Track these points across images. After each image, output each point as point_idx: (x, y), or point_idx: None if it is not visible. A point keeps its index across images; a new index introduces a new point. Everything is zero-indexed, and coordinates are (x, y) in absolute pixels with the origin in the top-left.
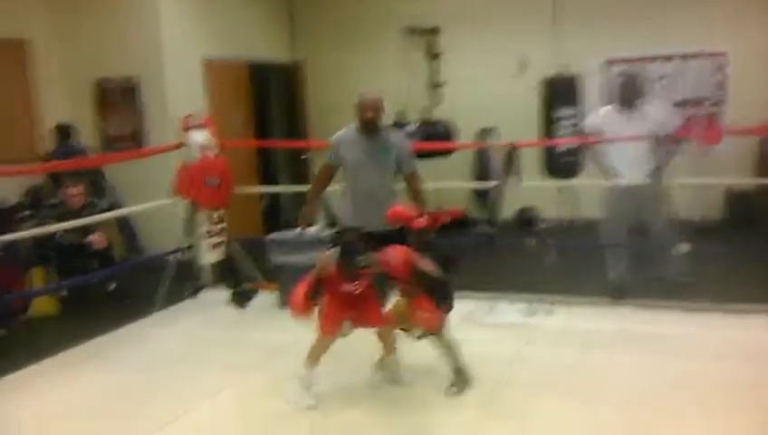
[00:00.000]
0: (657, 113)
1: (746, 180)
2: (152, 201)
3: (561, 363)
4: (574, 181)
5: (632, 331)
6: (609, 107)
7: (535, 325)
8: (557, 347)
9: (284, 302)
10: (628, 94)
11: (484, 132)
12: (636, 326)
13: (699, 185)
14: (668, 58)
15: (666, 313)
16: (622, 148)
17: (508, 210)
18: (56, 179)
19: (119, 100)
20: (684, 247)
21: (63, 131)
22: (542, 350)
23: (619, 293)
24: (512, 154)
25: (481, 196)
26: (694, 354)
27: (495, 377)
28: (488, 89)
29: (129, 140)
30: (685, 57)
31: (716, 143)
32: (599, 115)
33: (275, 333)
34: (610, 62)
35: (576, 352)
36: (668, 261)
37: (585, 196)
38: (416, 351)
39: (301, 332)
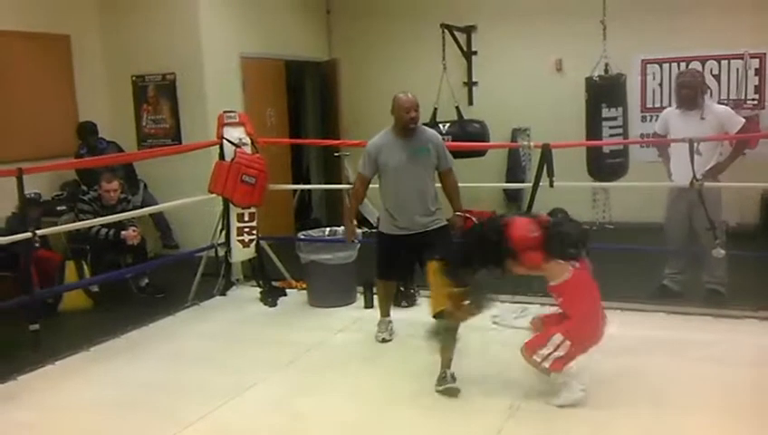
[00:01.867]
0: (718, 114)
1: None
2: (188, 197)
3: (599, 369)
4: (608, 183)
5: (664, 337)
6: (671, 108)
7: None
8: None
9: (313, 300)
10: (687, 95)
11: (517, 132)
12: (668, 333)
13: (736, 189)
14: (706, 59)
15: (700, 319)
16: (679, 149)
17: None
18: (83, 177)
19: (156, 96)
20: (720, 252)
21: (85, 129)
22: None
23: (662, 293)
24: (545, 154)
25: (513, 196)
26: (730, 362)
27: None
28: (524, 88)
29: (167, 137)
30: (724, 58)
31: (754, 147)
32: (662, 116)
33: (304, 331)
34: (647, 62)
35: (606, 357)
36: (708, 267)
37: (620, 200)
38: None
39: (329, 331)
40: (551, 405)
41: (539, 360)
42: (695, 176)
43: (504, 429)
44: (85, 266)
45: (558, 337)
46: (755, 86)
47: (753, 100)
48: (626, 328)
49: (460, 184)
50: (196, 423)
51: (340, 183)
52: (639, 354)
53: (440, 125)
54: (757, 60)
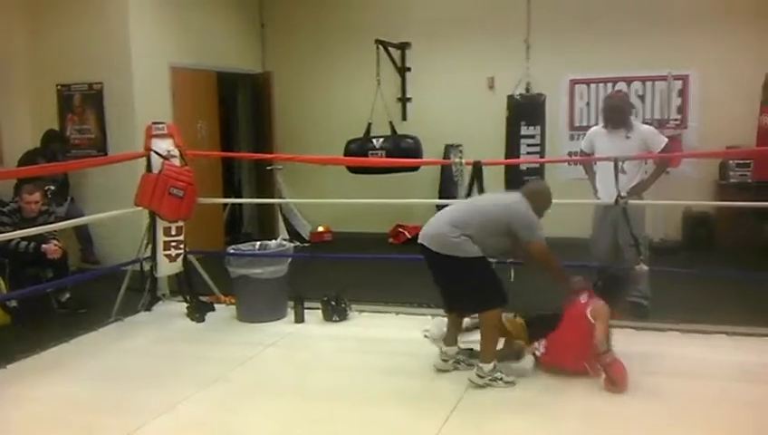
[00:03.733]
0: (642, 133)
1: (705, 202)
2: (113, 210)
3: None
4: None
5: None
6: (597, 127)
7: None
8: None
9: (243, 315)
10: (614, 114)
11: (450, 148)
12: None
13: (659, 206)
14: (631, 80)
15: (623, 332)
16: (604, 167)
17: None
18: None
19: (83, 105)
20: (644, 268)
21: (50, 137)
22: None
23: (643, 312)
24: (477, 171)
25: None
26: (653, 372)
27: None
28: (456, 105)
29: (92, 147)
30: (649, 79)
31: (676, 166)
32: (588, 135)
33: (233, 347)
34: (574, 82)
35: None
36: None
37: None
38: None
39: (259, 347)
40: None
41: None
42: (619, 193)
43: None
44: (1, 281)
45: None
46: (678, 106)
47: (676, 120)
48: None
49: (393, 200)
50: None
51: (273, 197)
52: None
53: (374, 140)
54: (680, 81)
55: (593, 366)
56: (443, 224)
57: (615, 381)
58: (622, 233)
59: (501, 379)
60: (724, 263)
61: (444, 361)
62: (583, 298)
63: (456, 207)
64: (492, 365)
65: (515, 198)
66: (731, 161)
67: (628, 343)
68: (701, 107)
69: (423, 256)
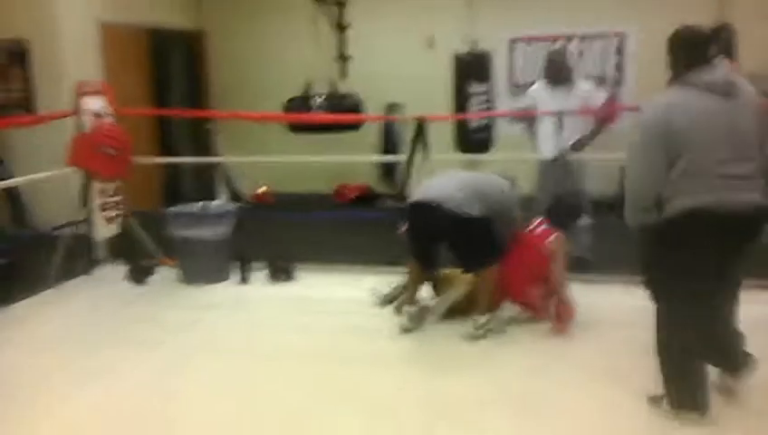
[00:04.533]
0: (582, 90)
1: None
2: (44, 172)
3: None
4: (483, 157)
5: None
6: (539, 83)
7: None
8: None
9: (186, 277)
10: (556, 71)
11: (392, 107)
12: None
13: (597, 162)
14: (571, 38)
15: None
16: (545, 123)
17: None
18: None
19: (7, 64)
20: (586, 220)
21: None
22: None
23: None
24: (421, 128)
25: (388, 170)
26: (595, 323)
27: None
28: (397, 63)
29: (19, 107)
30: (587, 37)
31: (614, 122)
32: (530, 91)
33: (177, 309)
34: (514, 41)
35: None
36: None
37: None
38: None
39: (203, 309)
40: None
41: None
42: (561, 149)
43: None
44: None
45: None
46: (616, 64)
47: (614, 77)
48: None
49: (335, 157)
50: (63, 406)
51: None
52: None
53: (314, 98)
54: (618, 38)
55: (541, 304)
56: (454, 187)
57: (564, 320)
58: (564, 188)
59: (492, 329)
60: None
61: (410, 320)
62: (539, 228)
63: (459, 175)
64: (486, 318)
65: (504, 180)
66: None
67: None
68: (639, 65)
69: (417, 215)
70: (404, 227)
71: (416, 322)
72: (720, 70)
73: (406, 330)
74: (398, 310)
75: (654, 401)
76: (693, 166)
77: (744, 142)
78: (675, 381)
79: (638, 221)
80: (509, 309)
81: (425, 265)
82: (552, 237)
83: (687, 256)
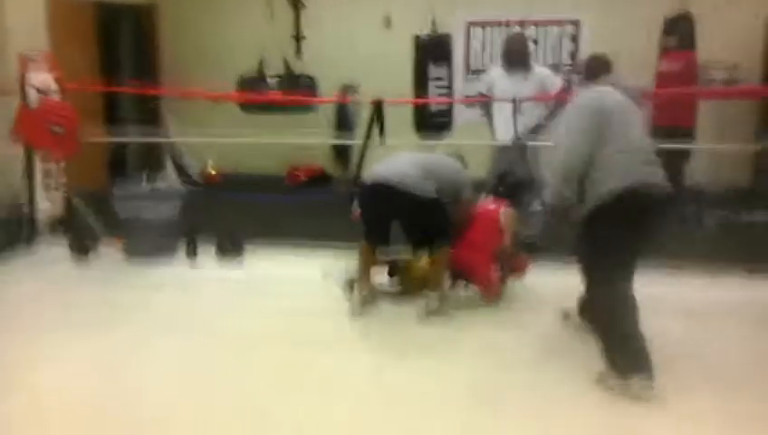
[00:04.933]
0: (540, 75)
1: None
2: None
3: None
4: (441, 141)
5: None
6: (496, 68)
7: None
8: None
9: (132, 257)
10: (514, 56)
11: (346, 88)
12: None
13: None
14: (527, 23)
15: None
16: (502, 108)
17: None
18: None
19: None
20: (538, 206)
21: None
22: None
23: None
24: (378, 111)
25: (341, 153)
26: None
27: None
28: (353, 44)
29: None
30: (543, 24)
31: None
32: (487, 75)
33: (123, 289)
34: (471, 24)
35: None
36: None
37: None
38: None
39: (150, 289)
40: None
41: None
42: (517, 134)
43: None
44: None
45: None
46: (570, 52)
47: (569, 65)
48: None
49: (287, 139)
50: (9, 393)
51: (159, 136)
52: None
53: (267, 78)
54: (573, 26)
55: (493, 278)
56: (411, 167)
57: (518, 270)
58: (519, 172)
59: (443, 310)
60: None
61: (361, 304)
62: (491, 204)
63: (413, 155)
64: (437, 299)
65: (455, 160)
66: None
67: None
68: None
69: (371, 196)
70: (357, 211)
71: (366, 304)
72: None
73: (356, 313)
74: (351, 292)
75: (601, 378)
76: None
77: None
78: (624, 348)
79: (566, 196)
80: (461, 289)
81: (377, 245)
82: (502, 210)
83: (623, 228)
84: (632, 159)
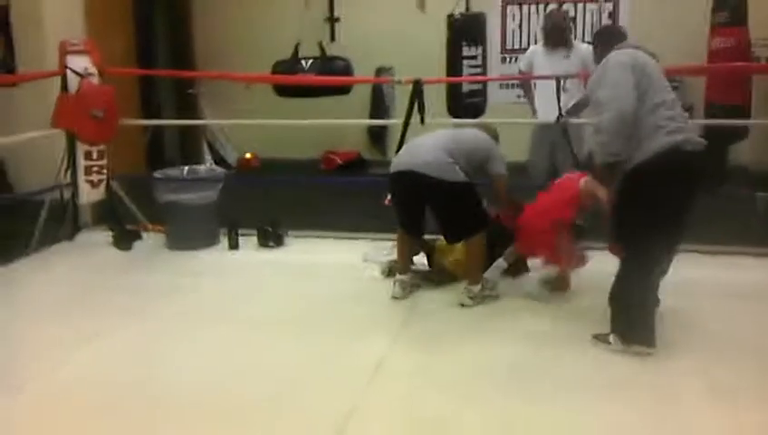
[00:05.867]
0: (581, 53)
1: None
2: (26, 133)
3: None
4: (477, 121)
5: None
6: (537, 46)
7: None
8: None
9: (173, 243)
10: (555, 32)
11: (381, 71)
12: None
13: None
14: (563, 1)
15: None
16: (545, 87)
17: None
18: None
19: None
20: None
21: None
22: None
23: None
24: (418, 91)
25: (377, 136)
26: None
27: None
28: (387, 26)
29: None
30: (580, 1)
31: None
32: (527, 54)
33: (165, 275)
34: (507, 3)
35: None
36: None
37: None
38: None
39: (191, 275)
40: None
41: None
42: (560, 112)
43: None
44: None
45: None
46: None
47: None
48: None
49: (323, 121)
50: (48, 374)
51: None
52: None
53: (303, 61)
54: (611, 3)
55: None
56: (436, 151)
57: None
58: (562, 153)
59: (488, 296)
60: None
61: (402, 289)
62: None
63: (438, 136)
64: (480, 286)
65: (483, 133)
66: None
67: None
68: (631, 30)
69: (400, 184)
70: (388, 198)
71: (407, 290)
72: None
73: (397, 298)
74: (391, 277)
75: (599, 338)
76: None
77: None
78: (636, 320)
79: (618, 151)
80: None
81: (411, 233)
82: (584, 179)
83: (667, 188)
84: (673, 117)
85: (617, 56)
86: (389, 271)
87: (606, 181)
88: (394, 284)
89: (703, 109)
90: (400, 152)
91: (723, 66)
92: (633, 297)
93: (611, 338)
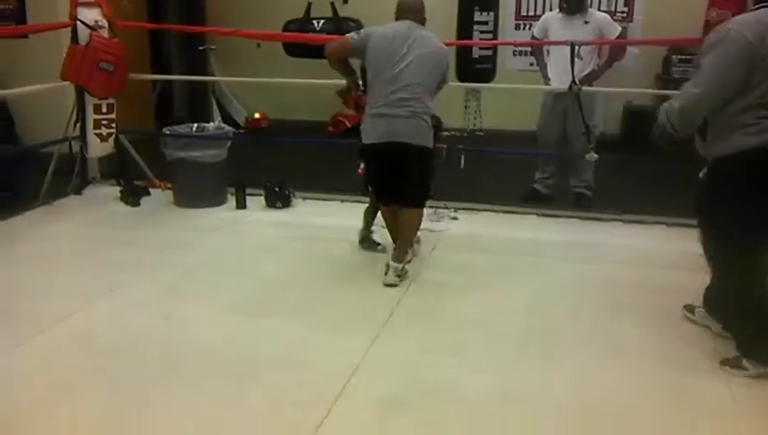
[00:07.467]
0: (598, 20)
1: (654, 91)
2: (34, 85)
3: (466, 268)
4: (488, 85)
5: (534, 238)
6: (552, 12)
7: (440, 231)
8: (461, 252)
9: (181, 200)
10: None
11: None
12: (539, 234)
13: (602, 99)
14: None
15: (568, 221)
16: (558, 53)
17: None
18: None
19: None
20: (593, 156)
21: None
22: (447, 255)
23: (532, 197)
24: None
25: None
26: (594, 261)
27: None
28: None
29: (8, 18)
30: None
31: (621, 59)
32: (543, 20)
33: (173, 231)
34: None
35: (480, 256)
36: (576, 171)
37: (491, 107)
38: None
39: (199, 232)
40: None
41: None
42: (574, 80)
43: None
44: None
45: None
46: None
47: (623, 13)
48: (498, 229)
49: (332, 81)
50: (58, 325)
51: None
52: (504, 253)
53: (314, 22)
54: None
55: None
56: (415, 107)
57: None
58: (573, 121)
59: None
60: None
61: (397, 276)
62: None
63: (397, 87)
64: (403, 263)
65: (429, 34)
66: (674, 56)
67: (572, 232)
68: (646, 3)
69: (383, 154)
70: (362, 167)
71: (402, 277)
72: None
73: (390, 285)
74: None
75: (731, 363)
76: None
77: None
78: (760, 333)
79: (680, 135)
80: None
81: (386, 201)
82: None
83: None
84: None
85: (745, 26)
86: (363, 239)
87: (657, 141)
88: (387, 269)
89: None
90: (374, 117)
91: None
92: (750, 307)
93: (745, 362)
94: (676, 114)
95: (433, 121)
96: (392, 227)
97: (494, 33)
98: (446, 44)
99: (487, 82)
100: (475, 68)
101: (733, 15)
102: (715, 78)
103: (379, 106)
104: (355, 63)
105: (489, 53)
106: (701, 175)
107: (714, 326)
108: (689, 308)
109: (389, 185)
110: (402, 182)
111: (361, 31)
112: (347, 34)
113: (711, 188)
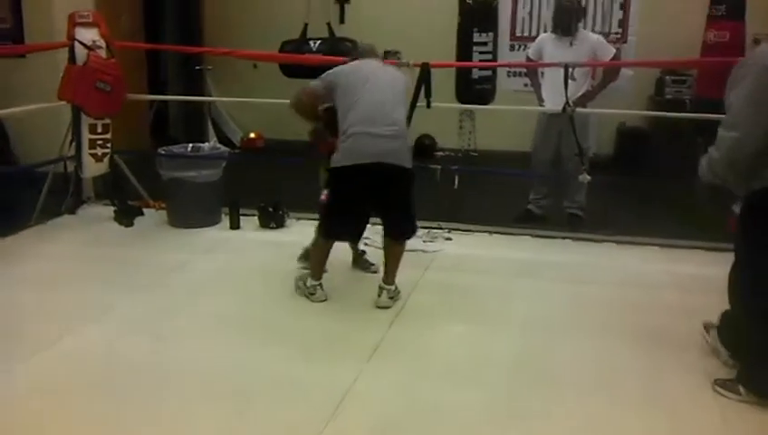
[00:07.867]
0: (591, 42)
1: (649, 113)
2: (30, 104)
3: (459, 289)
4: (487, 107)
5: (527, 259)
6: (546, 34)
7: (434, 252)
8: (455, 273)
9: (175, 220)
10: (566, 19)
11: (388, 54)
12: (532, 255)
13: (595, 120)
14: None
15: (561, 242)
16: (552, 75)
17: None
18: None
19: None
20: (586, 177)
21: None
22: (441, 276)
23: (526, 217)
24: (426, 75)
25: None
26: (587, 282)
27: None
28: (397, 9)
29: (6, 38)
30: None
31: (615, 80)
32: (536, 42)
33: (166, 251)
34: None
35: (473, 278)
36: (569, 192)
37: (485, 128)
38: None
39: (192, 253)
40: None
41: None
42: (568, 101)
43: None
44: None
45: None
46: (619, 20)
47: (617, 33)
48: (491, 250)
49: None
50: (51, 347)
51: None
52: (497, 274)
53: (311, 42)
54: None
55: None
56: (395, 129)
57: None
58: (566, 142)
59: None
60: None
61: (390, 298)
62: None
63: (377, 106)
64: (395, 285)
65: (392, 68)
66: (667, 77)
67: (565, 252)
68: (642, 21)
69: (362, 177)
70: (325, 193)
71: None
72: None
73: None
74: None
75: (726, 386)
76: None
77: None
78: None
79: (723, 177)
80: None
81: (353, 238)
82: None
83: None
84: None
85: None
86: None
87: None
88: (380, 291)
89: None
90: (357, 136)
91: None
92: (761, 334)
93: (741, 389)
94: (723, 166)
95: (427, 141)
96: (323, 262)
97: (494, 53)
98: (445, 65)
99: (487, 103)
100: (475, 89)
101: (731, 37)
102: (750, 113)
103: (359, 125)
104: None
105: (489, 73)
106: (734, 208)
107: (722, 354)
108: (707, 326)
109: (361, 216)
110: (391, 210)
111: (320, 76)
112: (307, 86)
113: (747, 222)
